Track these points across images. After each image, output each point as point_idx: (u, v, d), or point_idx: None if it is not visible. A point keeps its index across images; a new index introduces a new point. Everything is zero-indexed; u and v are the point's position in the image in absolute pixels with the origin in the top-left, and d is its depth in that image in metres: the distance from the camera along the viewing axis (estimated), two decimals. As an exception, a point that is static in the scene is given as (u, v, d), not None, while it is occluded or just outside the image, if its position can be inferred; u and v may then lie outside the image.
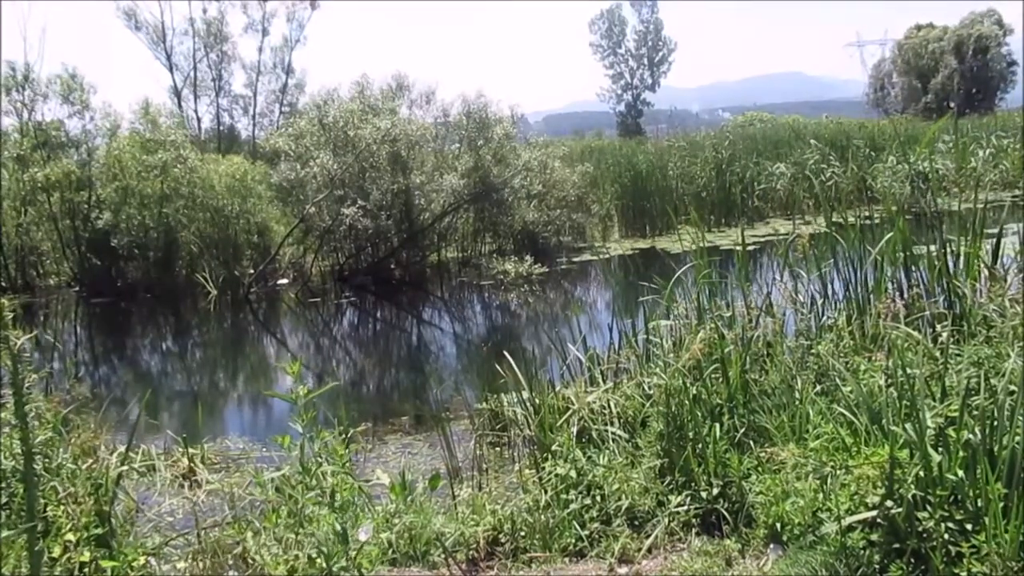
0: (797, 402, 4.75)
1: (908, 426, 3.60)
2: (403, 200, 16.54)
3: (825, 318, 6.09)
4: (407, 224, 16.76)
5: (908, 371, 3.92)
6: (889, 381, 4.07)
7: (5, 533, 2.99)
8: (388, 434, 7.32)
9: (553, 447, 5.01)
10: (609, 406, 5.49)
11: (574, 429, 5.30)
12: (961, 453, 3.50)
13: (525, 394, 6.16)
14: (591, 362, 6.48)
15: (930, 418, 3.65)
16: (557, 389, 6.11)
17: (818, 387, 4.84)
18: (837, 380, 4.59)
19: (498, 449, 6.38)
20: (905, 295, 6.15)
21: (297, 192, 16.63)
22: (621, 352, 6.52)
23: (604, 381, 6.11)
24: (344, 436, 5.40)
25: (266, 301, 16.25)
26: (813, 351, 5.23)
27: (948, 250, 6.12)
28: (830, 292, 6.48)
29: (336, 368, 11.48)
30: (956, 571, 3.26)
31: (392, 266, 17.01)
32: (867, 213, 8.00)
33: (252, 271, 16.58)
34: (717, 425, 4.65)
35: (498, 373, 6.56)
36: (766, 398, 4.94)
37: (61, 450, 4.66)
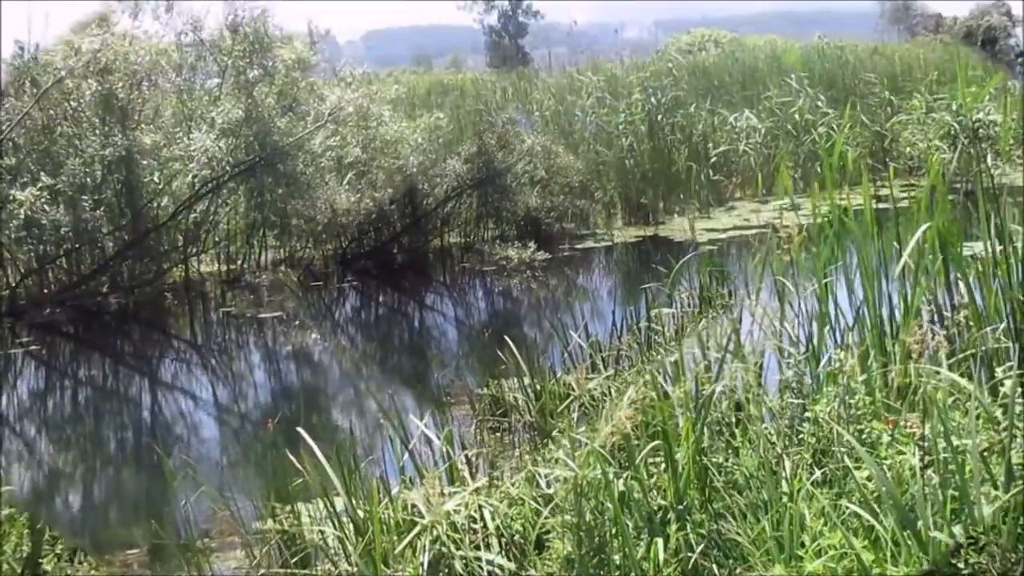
0: (785, 498, 3.13)
1: (957, 528, 2.67)
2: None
3: (826, 360, 4.17)
4: (410, 209, 16.71)
5: (955, 442, 2.84)
6: (927, 459, 2.94)
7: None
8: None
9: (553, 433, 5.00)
10: (483, 516, 3.48)
11: (425, 559, 3.29)
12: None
13: (526, 380, 6.18)
14: (592, 348, 6.49)
15: (990, 514, 2.68)
16: (558, 375, 6.12)
17: (817, 473, 3.29)
18: (847, 460, 3.15)
19: (499, 434, 6.39)
20: (947, 319, 4.30)
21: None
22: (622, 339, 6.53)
23: (605, 368, 6.11)
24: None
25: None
26: (808, 414, 3.54)
27: (1012, 248, 4.14)
28: (833, 319, 4.54)
29: (341, 352, 11.49)
30: None
31: (394, 251, 17.00)
32: (888, 190, 5.45)
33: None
34: (660, 540, 3.09)
35: (499, 359, 6.57)
36: (736, 493, 3.33)
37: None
